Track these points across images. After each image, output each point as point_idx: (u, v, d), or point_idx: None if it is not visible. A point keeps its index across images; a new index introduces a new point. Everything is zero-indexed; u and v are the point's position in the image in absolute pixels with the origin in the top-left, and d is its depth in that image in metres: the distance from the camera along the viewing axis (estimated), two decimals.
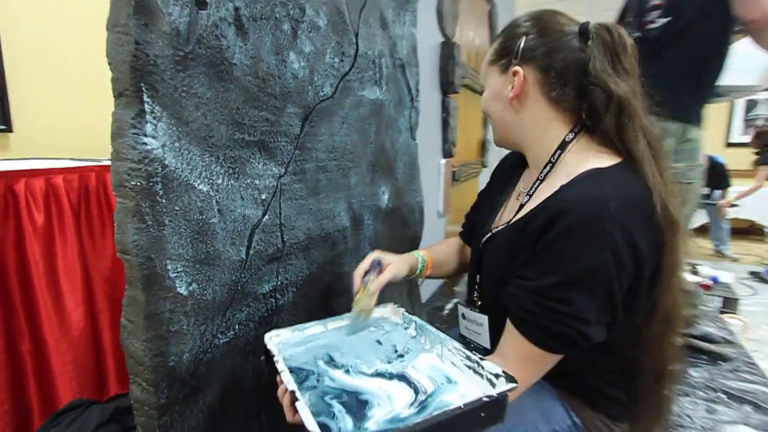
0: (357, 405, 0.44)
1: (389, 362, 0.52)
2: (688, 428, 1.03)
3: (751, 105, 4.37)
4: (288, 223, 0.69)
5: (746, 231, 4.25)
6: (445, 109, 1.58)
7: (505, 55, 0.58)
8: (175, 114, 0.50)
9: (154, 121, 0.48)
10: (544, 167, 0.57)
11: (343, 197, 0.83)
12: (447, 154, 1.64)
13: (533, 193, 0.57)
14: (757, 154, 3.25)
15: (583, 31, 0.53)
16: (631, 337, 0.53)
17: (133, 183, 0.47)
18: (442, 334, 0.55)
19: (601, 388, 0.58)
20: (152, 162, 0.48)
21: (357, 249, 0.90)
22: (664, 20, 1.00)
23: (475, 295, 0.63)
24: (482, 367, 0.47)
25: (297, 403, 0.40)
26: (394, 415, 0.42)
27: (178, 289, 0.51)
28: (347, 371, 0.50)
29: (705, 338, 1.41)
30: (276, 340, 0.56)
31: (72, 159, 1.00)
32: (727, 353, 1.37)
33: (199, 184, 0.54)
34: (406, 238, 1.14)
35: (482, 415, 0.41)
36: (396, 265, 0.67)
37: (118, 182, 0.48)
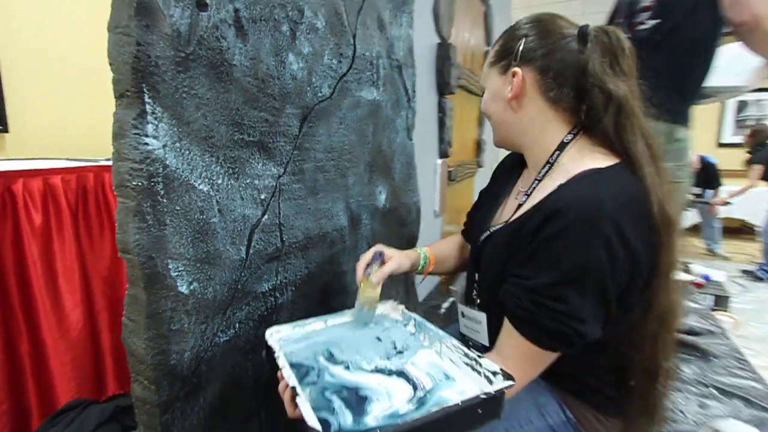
0: (356, 400, 0.45)
1: (389, 358, 0.53)
2: (681, 423, 1.05)
3: (742, 106, 4.44)
4: (287, 222, 0.70)
5: (737, 230, 4.32)
6: (442, 109, 1.59)
7: (505, 56, 0.59)
8: (176, 114, 0.50)
9: (156, 122, 0.48)
10: (543, 167, 0.58)
11: (341, 197, 0.84)
12: (443, 154, 1.66)
13: (531, 192, 0.58)
14: (750, 152, 3.29)
15: (582, 33, 0.54)
16: (626, 335, 0.54)
17: (134, 183, 0.47)
18: (440, 332, 0.55)
19: (594, 385, 0.59)
20: (153, 162, 0.48)
21: (355, 248, 0.90)
22: (654, 22, 1.02)
23: (474, 292, 0.64)
24: (480, 365, 0.48)
25: (297, 399, 0.40)
26: (393, 410, 0.43)
27: (180, 288, 0.52)
28: (347, 367, 0.51)
29: (689, 332, 1.44)
30: (277, 336, 0.57)
31: (68, 159, 1.00)
32: (708, 347, 1.39)
33: (199, 184, 0.54)
34: (403, 237, 1.15)
35: (479, 411, 0.42)
36: (398, 258, 0.67)
37: (119, 182, 0.48)
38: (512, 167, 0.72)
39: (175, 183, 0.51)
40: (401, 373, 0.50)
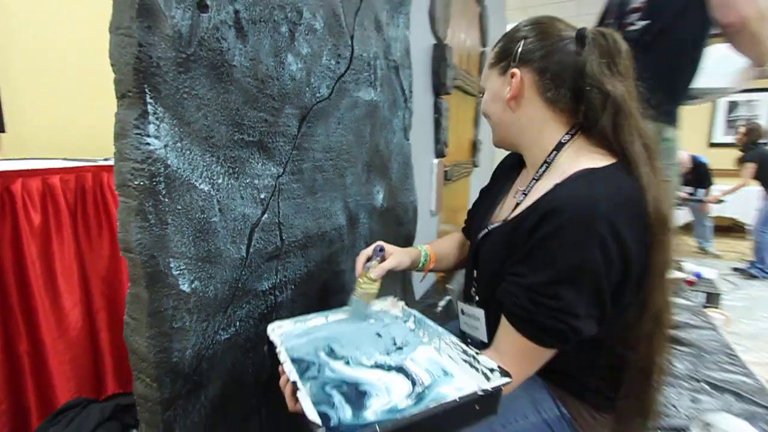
0: (356, 395, 0.45)
1: (388, 354, 0.54)
2: (673, 417, 1.07)
3: (732, 106, 4.51)
4: (286, 221, 0.70)
5: (728, 228, 4.39)
6: (437, 110, 1.60)
7: (504, 58, 0.60)
8: (177, 115, 0.51)
9: (157, 122, 0.49)
10: (540, 167, 0.59)
11: (339, 196, 0.85)
12: (439, 154, 1.67)
13: (529, 191, 0.59)
14: (742, 150, 3.30)
15: (581, 36, 0.55)
16: (621, 334, 0.54)
17: (136, 183, 0.48)
18: (440, 328, 0.56)
19: (589, 382, 0.60)
20: (155, 162, 0.49)
21: (353, 247, 0.91)
22: (644, 23, 1.04)
23: (473, 289, 0.65)
24: (478, 362, 0.49)
25: (298, 393, 0.41)
26: (392, 405, 0.44)
27: (181, 287, 0.52)
28: (347, 362, 0.52)
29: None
30: (279, 331, 0.58)
31: (66, 159, 1.00)
32: (691, 339, 1.42)
33: (200, 184, 0.55)
34: (400, 236, 1.16)
35: (477, 407, 0.43)
36: (398, 254, 0.68)
37: (121, 182, 0.48)
38: (512, 167, 0.73)
39: (176, 182, 0.51)
40: (400, 369, 0.51)
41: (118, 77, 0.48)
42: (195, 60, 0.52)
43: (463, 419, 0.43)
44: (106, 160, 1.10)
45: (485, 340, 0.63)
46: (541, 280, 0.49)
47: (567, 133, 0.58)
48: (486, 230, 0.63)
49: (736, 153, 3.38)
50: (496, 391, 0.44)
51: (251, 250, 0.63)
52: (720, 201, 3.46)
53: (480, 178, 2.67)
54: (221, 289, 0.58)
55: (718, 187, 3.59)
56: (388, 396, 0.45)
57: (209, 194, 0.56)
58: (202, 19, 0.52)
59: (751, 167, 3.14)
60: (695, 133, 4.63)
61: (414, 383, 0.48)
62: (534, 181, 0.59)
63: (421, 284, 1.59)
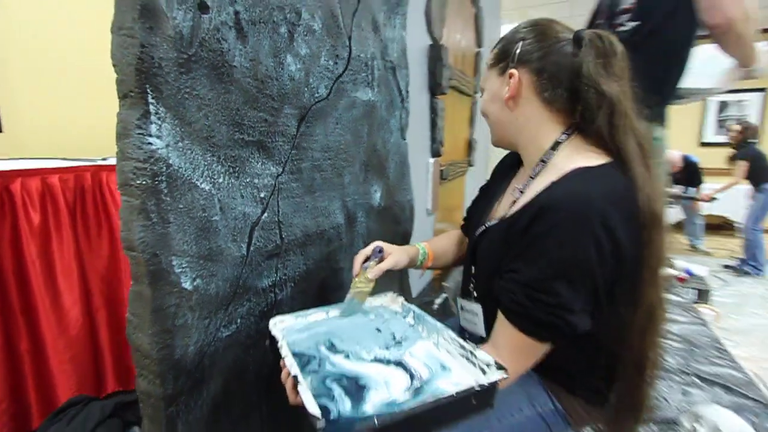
0: (356, 389, 0.46)
1: (387, 349, 0.55)
2: (665, 410, 1.10)
3: (723, 106, 4.58)
4: (286, 220, 0.71)
5: (719, 226, 4.46)
6: (433, 109, 1.62)
7: (503, 58, 0.62)
8: (179, 115, 0.52)
9: (159, 122, 0.49)
10: (537, 165, 0.60)
11: (337, 195, 0.86)
12: (435, 153, 1.68)
13: (525, 189, 0.60)
14: (735, 148, 3.30)
15: (578, 38, 0.57)
16: (615, 330, 0.55)
17: (138, 182, 0.48)
18: (438, 324, 0.57)
19: (583, 377, 0.61)
20: (157, 161, 0.49)
21: (351, 246, 0.92)
22: (634, 24, 1.05)
23: (471, 285, 0.66)
24: (475, 356, 0.50)
25: (299, 387, 0.42)
26: (390, 399, 0.45)
27: (183, 285, 0.53)
28: (347, 356, 0.53)
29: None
30: (280, 326, 0.58)
31: (63, 159, 1.00)
32: (682, 334, 1.45)
33: (201, 183, 0.55)
34: (397, 235, 1.17)
35: (473, 401, 0.44)
36: (396, 254, 0.69)
37: (123, 181, 0.49)
38: (511, 166, 0.74)
39: (178, 182, 0.52)
40: (399, 363, 0.52)
41: (120, 77, 0.48)
42: (196, 60, 0.53)
43: (460, 412, 0.44)
44: (104, 159, 1.10)
45: (483, 334, 0.64)
46: (537, 276, 0.50)
47: (563, 133, 0.59)
48: (484, 227, 0.64)
49: (727, 152, 3.41)
50: (493, 386, 0.45)
51: (252, 248, 0.64)
52: (713, 199, 3.49)
53: (475, 178, 2.69)
54: (222, 287, 0.59)
55: (708, 185, 3.64)
56: (387, 390, 0.46)
57: (210, 193, 0.57)
58: (203, 20, 0.53)
59: (743, 165, 3.17)
60: (686, 132, 4.70)
61: (412, 377, 0.49)
62: (531, 179, 0.60)
63: (417, 283, 1.60)
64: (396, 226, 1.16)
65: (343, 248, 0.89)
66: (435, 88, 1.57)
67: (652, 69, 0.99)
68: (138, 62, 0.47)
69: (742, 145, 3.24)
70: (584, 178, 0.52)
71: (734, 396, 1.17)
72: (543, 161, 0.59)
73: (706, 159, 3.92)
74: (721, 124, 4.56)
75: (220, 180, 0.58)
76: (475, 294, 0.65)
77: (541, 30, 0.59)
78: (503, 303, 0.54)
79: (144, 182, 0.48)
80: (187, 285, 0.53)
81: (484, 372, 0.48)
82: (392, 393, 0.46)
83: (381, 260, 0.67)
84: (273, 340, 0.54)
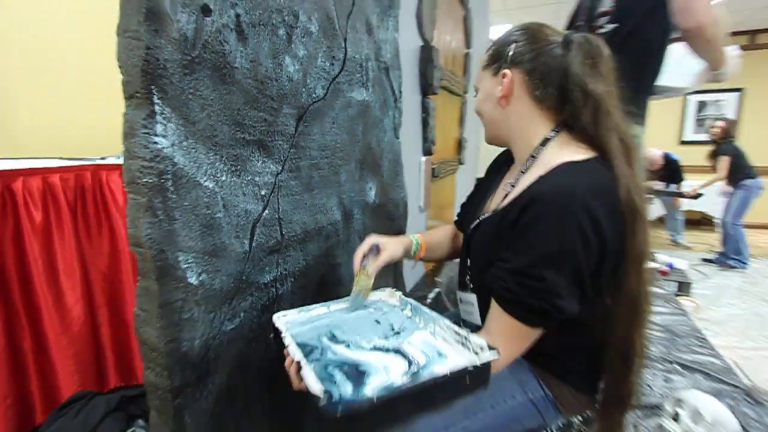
0: (356, 374, 0.48)
1: (386, 338, 0.57)
2: (648, 396, 1.15)
3: (701, 106, 4.74)
4: (286, 217, 0.73)
5: (698, 222, 4.63)
6: (425, 109, 1.65)
7: (497, 60, 0.65)
8: (183, 115, 0.53)
9: (164, 122, 0.51)
10: (527, 160, 0.63)
11: (334, 193, 0.88)
12: (427, 152, 1.71)
13: (516, 183, 0.64)
14: (716, 143, 3.34)
15: (567, 40, 0.61)
16: (601, 319, 0.58)
17: (145, 180, 0.50)
18: (435, 314, 0.60)
19: (571, 364, 0.64)
20: (163, 160, 0.51)
21: (348, 242, 0.95)
22: (613, 26, 1.10)
23: (467, 277, 0.69)
24: (469, 341, 0.53)
25: (302, 371, 0.44)
26: (389, 383, 0.47)
27: (189, 279, 0.54)
28: (348, 346, 0.55)
29: None
30: (284, 319, 0.60)
31: (60, 158, 0.99)
32: (664, 324, 1.51)
33: (205, 181, 0.57)
34: (391, 231, 1.20)
35: (468, 381, 0.47)
36: (392, 247, 0.72)
37: (130, 179, 0.50)
38: (504, 163, 0.77)
39: (183, 180, 0.53)
40: (398, 351, 0.54)
41: (126, 79, 0.50)
42: (199, 62, 0.54)
43: (455, 392, 0.46)
44: (102, 159, 1.09)
45: (480, 323, 0.67)
46: (527, 264, 0.53)
47: (552, 130, 0.62)
48: (478, 221, 0.67)
49: (706, 150, 3.49)
50: (486, 366, 0.47)
51: (254, 244, 0.65)
52: (699, 195, 3.51)
53: (465, 176, 2.74)
54: (226, 282, 0.61)
55: (688, 182, 3.76)
56: (386, 374, 0.48)
57: (214, 191, 0.58)
58: (205, 23, 0.54)
59: (726, 160, 3.24)
60: (667, 131, 4.85)
61: (410, 363, 0.51)
62: (521, 173, 0.63)
63: (411, 277, 1.63)
64: (390, 223, 1.19)
65: (341, 244, 0.91)
66: (426, 89, 1.60)
67: (632, 69, 1.04)
68: (144, 64, 0.48)
69: (724, 141, 3.32)
70: (570, 171, 0.55)
71: (713, 382, 1.23)
72: (533, 156, 0.62)
73: (686, 157, 4.05)
74: (700, 123, 4.71)
75: (223, 178, 0.60)
76: (471, 285, 0.68)
77: (533, 33, 0.63)
78: (495, 291, 0.57)
79: (150, 180, 0.50)
80: (193, 280, 0.55)
81: (477, 354, 0.51)
82: (391, 377, 0.48)
83: (377, 254, 0.70)
84: (277, 333, 0.56)
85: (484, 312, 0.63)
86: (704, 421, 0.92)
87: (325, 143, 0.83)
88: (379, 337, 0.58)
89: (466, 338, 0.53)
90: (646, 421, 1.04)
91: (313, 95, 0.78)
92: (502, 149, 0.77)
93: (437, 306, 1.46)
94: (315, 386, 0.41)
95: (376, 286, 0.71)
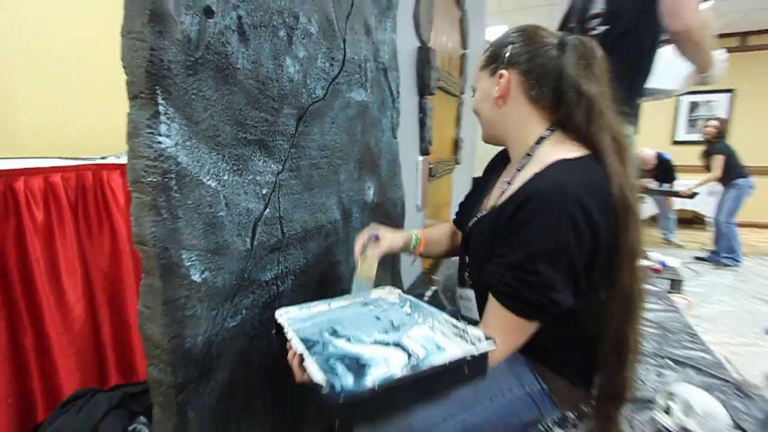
0: (357, 366, 0.49)
1: (386, 333, 0.59)
2: (641, 390, 1.17)
3: (693, 106, 4.81)
4: (286, 215, 0.74)
5: (690, 221, 4.69)
6: (422, 109, 1.66)
7: (494, 60, 0.67)
8: (186, 115, 0.54)
9: (168, 122, 0.52)
10: (523, 159, 0.65)
11: (333, 192, 0.89)
12: (424, 152, 1.73)
13: (512, 181, 0.65)
14: (710, 142, 3.35)
15: (562, 42, 0.62)
16: (595, 314, 0.59)
17: (149, 179, 0.50)
18: (433, 309, 0.61)
19: (566, 358, 0.66)
20: (167, 159, 0.52)
21: (347, 240, 0.96)
22: (604, 28, 1.11)
23: (466, 274, 0.71)
24: (467, 333, 0.54)
25: (305, 363, 0.45)
26: (389, 374, 0.48)
27: (193, 277, 0.55)
28: (349, 340, 0.56)
29: None
30: (286, 316, 0.61)
31: (60, 158, 0.99)
32: (657, 320, 1.54)
33: (207, 180, 0.58)
34: None
35: (466, 371, 0.48)
36: (391, 237, 0.75)
37: (134, 178, 0.51)
38: (501, 162, 0.79)
39: (186, 179, 0.54)
40: (398, 345, 0.55)
41: (131, 79, 0.50)
42: (202, 63, 0.55)
43: (454, 381, 0.48)
44: (103, 158, 1.10)
45: (478, 318, 0.68)
46: (523, 259, 0.55)
47: (547, 129, 0.64)
48: (476, 218, 0.68)
49: (698, 150, 3.52)
50: (483, 356, 0.49)
51: (255, 242, 0.66)
52: (694, 194, 3.52)
53: (462, 175, 2.76)
54: (229, 279, 0.61)
55: (681, 182, 3.81)
56: (387, 367, 0.49)
57: (216, 190, 0.59)
58: (208, 24, 0.55)
59: (720, 159, 3.26)
60: (660, 131, 4.91)
61: (410, 356, 0.53)
62: (517, 171, 0.65)
63: (408, 276, 1.65)
64: (388, 222, 1.20)
65: (340, 242, 0.93)
66: (423, 89, 1.61)
67: (624, 70, 1.06)
68: (148, 65, 0.49)
69: (718, 140, 3.34)
70: (564, 169, 0.57)
71: (704, 376, 1.25)
72: (528, 155, 0.64)
73: (678, 156, 4.11)
74: (692, 123, 4.78)
75: (225, 177, 0.61)
76: (469, 282, 0.70)
77: (529, 35, 0.65)
78: (493, 285, 0.58)
79: (154, 179, 0.51)
80: (196, 277, 0.56)
81: (474, 345, 0.52)
82: (391, 369, 0.48)
83: (377, 241, 0.72)
84: (279, 329, 0.57)
85: (482, 307, 0.64)
86: (695, 414, 0.94)
87: (324, 143, 0.84)
88: (379, 332, 0.59)
89: (464, 330, 0.55)
90: (639, 415, 1.06)
91: (313, 96, 0.79)
92: (498, 149, 0.79)
93: (434, 304, 1.48)
94: (317, 375, 0.42)
95: (375, 285, 0.73)
